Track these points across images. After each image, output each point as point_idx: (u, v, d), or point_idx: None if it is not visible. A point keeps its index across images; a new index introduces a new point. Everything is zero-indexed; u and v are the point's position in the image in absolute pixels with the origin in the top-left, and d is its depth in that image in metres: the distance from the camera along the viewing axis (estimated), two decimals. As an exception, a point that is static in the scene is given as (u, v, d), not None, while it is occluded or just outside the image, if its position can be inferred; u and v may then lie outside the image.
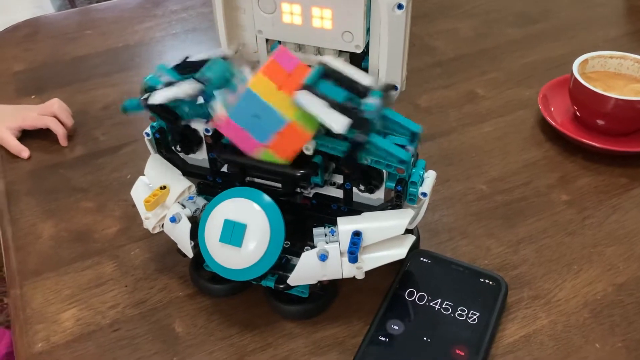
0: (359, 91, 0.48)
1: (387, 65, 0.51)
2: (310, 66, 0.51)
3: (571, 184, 0.67)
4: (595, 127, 0.72)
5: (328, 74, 0.49)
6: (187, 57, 0.53)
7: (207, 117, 0.51)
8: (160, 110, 0.51)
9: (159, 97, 0.49)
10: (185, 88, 0.49)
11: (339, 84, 0.48)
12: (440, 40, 0.93)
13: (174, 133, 0.54)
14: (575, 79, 0.71)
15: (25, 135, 0.75)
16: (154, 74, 0.52)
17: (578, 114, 0.73)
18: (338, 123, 0.45)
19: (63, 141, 0.74)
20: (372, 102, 0.47)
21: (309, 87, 0.46)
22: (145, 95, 0.50)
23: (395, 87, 0.52)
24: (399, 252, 0.49)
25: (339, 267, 0.49)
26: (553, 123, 0.72)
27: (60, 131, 0.74)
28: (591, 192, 0.65)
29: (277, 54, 0.49)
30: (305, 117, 0.46)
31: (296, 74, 0.49)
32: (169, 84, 0.51)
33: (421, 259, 0.56)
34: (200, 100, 0.50)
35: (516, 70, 0.85)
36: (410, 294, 0.53)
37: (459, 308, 0.52)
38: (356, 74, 0.50)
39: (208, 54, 0.53)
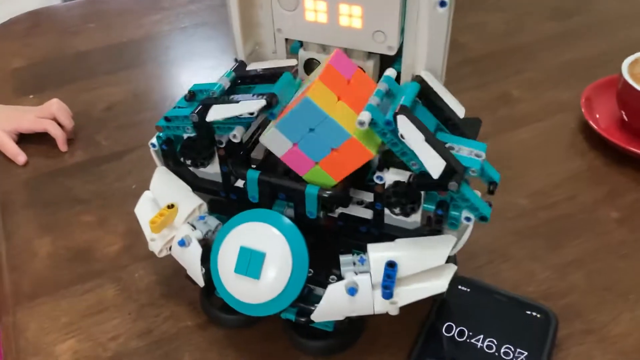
0: (454, 127, 0.43)
1: (426, 70, 0.45)
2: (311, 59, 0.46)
3: (621, 198, 0.60)
4: (646, 135, 0.65)
5: (423, 94, 0.43)
6: (241, 62, 0.47)
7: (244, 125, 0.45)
8: (205, 126, 0.45)
9: (218, 113, 0.43)
10: (249, 106, 0.42)
11: (431, 109, 0.43)
12: (468, 35, 0.86)
13: (188, 147, 0.48)
14: (625, 80, 0.64)
15: (22, 139, 0.70)
16: (208, 87, 0.46)
17: (626, 119, 0.67)
18: (436, 168, 0.39)
19: (62, 146, 0.69)
20: (478, 155, 0.41)
21: (407, 111, 0.40)
22: (199, 109, 0.44)
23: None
24: (439, 284, 0.43)
25: (370, 303, 0.43)
26: (598, 129, 0.66)
27: (59, 135, 0.69)
28: (644, 209, 0.59)
29: (334, 59, 0.43)
30: (368, 133, 0.41)
31: (356, 82, 0.43)
32: (225, 97, 0.45)
33: (459, 287, 0.50)
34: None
35: (554, 69, 0.78)
36: (449, 329, 0.47)
37: (505, 346, 0.46)
38: (450, 100, 0.44)
39: (272, 63, 0.48)
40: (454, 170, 0.40)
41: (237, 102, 0.43)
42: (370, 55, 0.48)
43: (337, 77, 0.42)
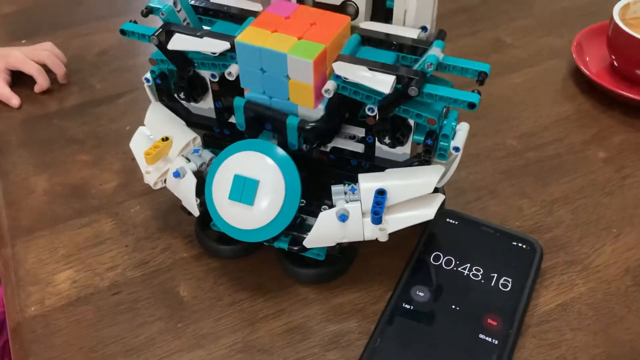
0: (411, 48, 0.44)
1: (417, 3, 0.45)
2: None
3: (608, 140, 0.61)
4: (635, 78, 0.66)
5: (368, 39, 0.45)
6: None
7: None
8: (174, 55, 0.45)
9: (180, 43, 0.44)
10: (213, 44, 0.43)
11: (384, 47, 0.44)
12: (463, -16, 0.85)
13: (179, 79, 0.49)
14: (616, 24, 0.65)
15: (15, 83, 0.69)
16: (169, 3, 0.46)
17: (616, 63, 0.67)
18: (383, 83, 0.40)
19: (38, 90, 0.68)
20: (434, 52, 0.42)
21: (345, 57, 0.42)
22: (159, 31, 0.45)
23: (424, 29, 0.47)
24: (427, 212, 0.44)
25: (360, 229, 0.44)
26: (588, 73, 0.66)
27: (43, 84, 0.68)
28: (630, 149, 0.60)
29: (271, 7, 0.45)
30: (304, 46, 0.41)
31: (296, 16, 0.44)
32: (190, 29, 0.45)
33: (447, 220, 0.51)
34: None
35: (547, 17, 0.78)
36: (436, 258, 0.49)
37: (490, 274, 0.47)
38: (400, 31, 0.45)
39: (238, 2, 0.48)
40: (411, 78, 0.40)
41: (201, 37, 0.44)
42: (362, -11, 0.48)
43: (272, 18, 0.44)
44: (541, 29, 0.76)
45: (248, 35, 0.42)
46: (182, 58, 0.46)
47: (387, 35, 0.45)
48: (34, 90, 0.69)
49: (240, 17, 0.47)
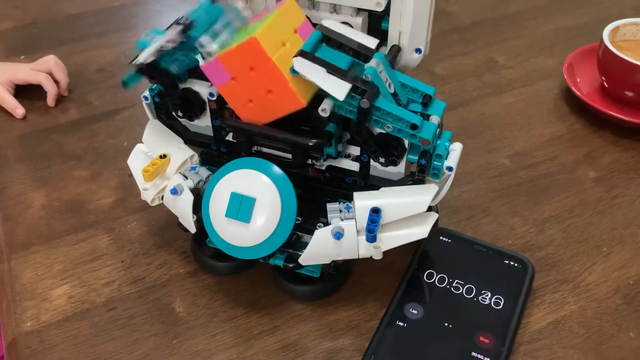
0: (366, 57, 0.44)
1: (412, 26, 0.47)
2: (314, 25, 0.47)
3: (599, 160, 0.62)
4: (624, 100, 0.67)
5: (329, 39, 0.45)
6: (181, 18, 0.49)
7: (197, 63, 0.47)
8: (152, 72, 0.46)
9: (145, 54, 0.45)
10: (168, 34, 0.44)
11: (342, 50, 0.45)
12: (457, 4, 0.87)
13: (172, 97, 0.49)
14: (605, 46, 0.66)
15: (16, 96, 0.70)
16: (144, 37, 0.47)
17: (606, 85, 0.69)
18: (338, 89, 0.41)
19: (51, 102, 0.70)
20: (372, 64, 0.43)
21: (305, 54, 0.42)
22: (133, 59, 0.46)
23: (418, 50, 0.48)
24: (421, 230, 0.45)
25: (355, 247, 0.45)
26: (579, 94, 0.68)
27: (51, 90, 0.69)
28: (620, 169, 0.61)
29: (285, 8, 0.44)
30: (304, 82, 0.42)
31: (304, 31, 0.45)
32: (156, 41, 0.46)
33: (441, 238, 0.52)
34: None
35: (539, 38, 0.80)
36: (430, 276, 0.49)
37: (482, 292, 0.48)
38: (361, 38, 0.46)
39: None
40: (363, 90, 0.41)
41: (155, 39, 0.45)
42: (359, 11, 0.49)
43: (287, 20, 0.44)
44: (533, 50, 0.78)
45: (265, 38, 0.41)
46: (161, 73, 0.46)
47: (346, 38, 0.45)
48: (46, 102, 0.70)
49: None
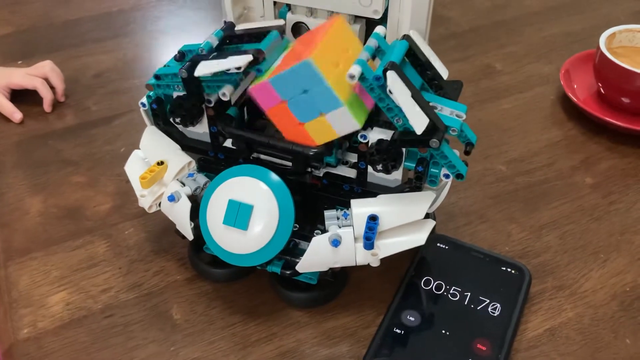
0: (438, 87, 0.45)
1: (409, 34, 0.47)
2: (299, 23, 0.47)
3: (596, 166, 0.63)
4: (621, 106, 0.67)
5: (410, 52, 0.44)
6: (230, 23, 0.49)
7: (234, 84, 0.46)
8: (193, 84, 0.46)
9: (206, 68, 0.44)
10: (236, 60, 0.43)
11: (417, 68, 0.44)
12: (454, 10, 0.87)
13: (177, 106, 0.49)
14: (602, 53, 0.66)
15: (13, 101, 0.70)
16: (194, 45, 0.47)
17: (602, 91, 0.69)
18: (420, 124, 0.40)
19: (48, 107, 0.70)
20: (458, 116, 0.43)
21: (397, 67, 0.41)
22: (187, 65, 0.45)
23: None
24: (418, 238, 0.45)
25: (352, 254, 0.45)
26: (576, 100, 0.68)
27: (47, 95, 0.69)
28: (617, 176, 0.61)
29: (335, 28, 0.43)
30: (358, 104, 0.42)
31: (352, 50, 0.44)
32: (214, 54, 0.46)
33: (438, 244, 0.52)
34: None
35: (536, 44, 0.80)
36: (427, 283, 0.49)
37: (479, 298, 0.48)
38: (435, 61, 0.45)
39: (261, 24, 0.48)
40: (436, 127, 0.41)
41: (225, 58, 0.45)
42: (356, 19, 0.50)
43: (337, 42, 0.43)
44: (530, 56, 0.78)
45: (320, 58, 0.41)
46: (196, 85, 0.46)
47: (428, 61, 0.44)
48: (43, 108, 0.70)
49: (264, 34, 0.47)
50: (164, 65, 0.49)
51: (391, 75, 0.40)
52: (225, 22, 0.51)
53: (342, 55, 0.43)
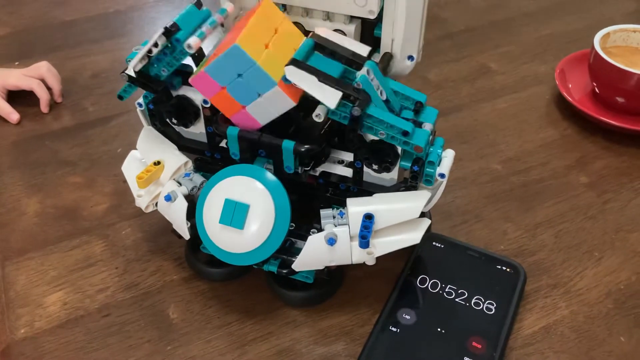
0: (358, 64, 0.45)
1: (404, 33, 0.47)
2: (295, 23, 0.48)
3: (590, 165, 0.63)
4: (616, 105, 0.68)
5: (321, 47, 0.45)
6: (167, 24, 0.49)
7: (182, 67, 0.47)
8: (143, 80, 0.47)
9: (133, 62, 0.45)
10: (152, 39, 0.44)
11: (335, 58, 0.45)
12: (450, 11, 0.88)
13: (164, 104, 0.50)
14: (596, 53, 0.67)
15: (9, 102, 0.70)
16: (135, 49, 0.47)
17: (597, 90, 0.69)
18: (330, 98, 0.42)
19: (44, 108, 0.70)
20: (363, 72, 0.43)
21: (298, 63, 0.43)
22: (123, 70, 0.46)
23: (411, 57, 0.48)
24: (414, 236, 0.45)
25: (348, 252, 0.45)
26: (571, 100, 0.68)
27: (44, 96, 0.69)
28: (612, 175, 0.62)
29: (261, 11, 0.45)
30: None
31: (282, 31, 0.45)
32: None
33: (434, 243, 0.52)
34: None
35: (531, 44, 0.80)
36: (423, 281, 0.50)
37: (475, 297, 0.48)
38: (354, 46, 0.46)
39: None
40: (356, 98, 0.42)
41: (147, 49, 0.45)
42: (352, 19, 0.50)
43: (265, 24, 0.44)
44: (525, 56, 0.78)
45: (246, 42, 0.42)
46: (151, 80, 0.47)
47: (339, 46, 0.46)
48: (40, 109, 0.70)
49: None
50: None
51: (290, 69, 0.42)
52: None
53: (270, 36, 0.44)
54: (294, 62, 0.42)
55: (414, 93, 0.45)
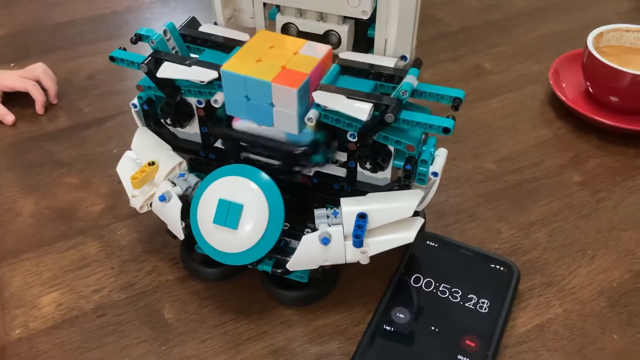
0: (387, 77, 0.46)
1: (397, 33, 0.48)
2: (289, 24, 0.49)
3: (584, 164, 0.63)
4: (609, 105, 0.68)
5: (347, 69, 0.46)
6: (192, 18, 0.50)
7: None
8: (162, 82, 0.47)
9: (169, 71, 0.45)
10: (201, 74, 0.45)
11: (363, 76, 0.46)
12: (444, 10, 0.88)
13: (167, 105, 0.50)
14: (590, 52, 0.67)
15: (5, 104, 0.70)
16: (159, 32, 0.47)
17: (591, 90, 0.70)
18: (360, 110, 0.42)
19: (40, 109, 0.70)
20: (409, 80, 0.44)
21: (324, 86, 0.44)
22: (148, 59, 0.46)
23: (404, 57, 0.49)
24: (407, 235, 0.45)
25: (342, 252, 0.45)
26: (564, 99, 0.69)
27: (39, 97, 0.70)
28: (605, 173, 0.62)
29: (255, 37, 0.47)
30: (285, 72, 0.43)
31: (281, 45, 0.46)
32: (178, 57, 0.47)
33: (427, 242, 0.53)
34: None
35: (525, 44, 0.81)
36: (417, 280, 0.50)
37: (469, 295, 0.49)
38: (378, 60, 0.47)
39: (226, 32, 0.50)
40: (388, 105, 0.42)
41: (189, 65, 0.45)
42: (345, 19, 0.50)
43: (257, 47, 0.45)
44: (519, 56, 0.79)
45: (233, 64, 0.44)
46: (170, 85, 0.47)
47: (365, 64, 0.46)
48: (35, 110, 0.70)
49: (227, 46, 0.49)
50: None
51: (317, 95, 0.43)
52: (191, 18, 0.52)
53: (265, 52, 0.45)
54: (320, 86, 0.44)
55: (449, 90, 0.45)
